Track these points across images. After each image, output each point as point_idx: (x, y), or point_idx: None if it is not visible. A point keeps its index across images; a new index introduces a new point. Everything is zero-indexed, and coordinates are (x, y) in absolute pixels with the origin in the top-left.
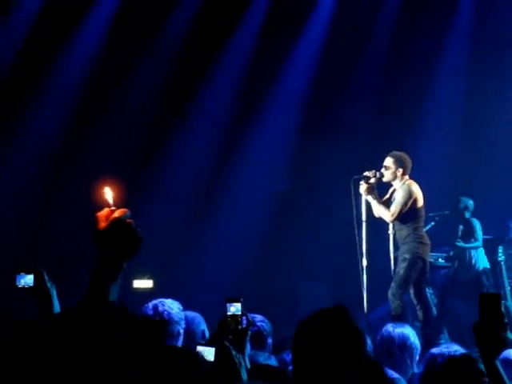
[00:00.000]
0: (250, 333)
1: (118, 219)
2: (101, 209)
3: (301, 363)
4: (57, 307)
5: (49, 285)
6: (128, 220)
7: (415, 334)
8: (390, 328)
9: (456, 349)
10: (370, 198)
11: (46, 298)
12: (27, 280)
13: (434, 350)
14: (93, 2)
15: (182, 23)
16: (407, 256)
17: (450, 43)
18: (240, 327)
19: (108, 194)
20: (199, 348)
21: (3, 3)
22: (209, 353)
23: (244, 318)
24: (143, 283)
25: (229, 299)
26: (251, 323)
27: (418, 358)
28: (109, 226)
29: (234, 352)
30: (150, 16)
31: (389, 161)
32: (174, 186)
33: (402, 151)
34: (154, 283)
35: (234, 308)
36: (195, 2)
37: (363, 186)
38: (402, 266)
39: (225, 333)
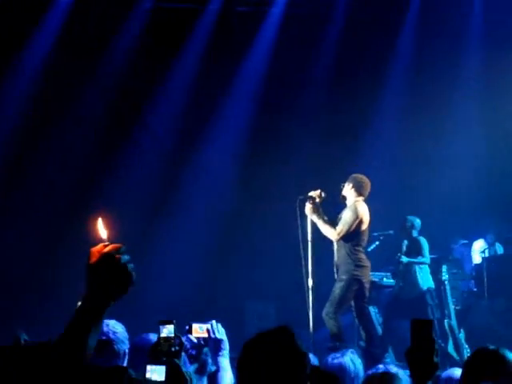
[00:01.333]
0: (183, 354)
1: (107, 254)
2: (95, 244)
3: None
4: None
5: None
6: (117, 255)
7: (355, 359)
8: (329, 359)
9: (392, 368)
10: (314, 218)
11: None
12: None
13: (370, 372)
14: (38, 20)
15: (127, 43)
16: (344, 277)
17: (394, 62)
18: (173, 349)
19: (101, 227)
20: (149, 367)
21: None
22: (160, 371)
23: (177, 340)
24: None
25: (162, 321)
26: (183, 345)
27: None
28: (97, 261)
29: (184, 369)
30: (96, 36)
31: (349, 181)
32: (118, 206)
33: (359, 173)
34: None
35: (167, 330)
36: (140, 22)
37: (308, 206)
38: (338, 285)
39: (158, 355)
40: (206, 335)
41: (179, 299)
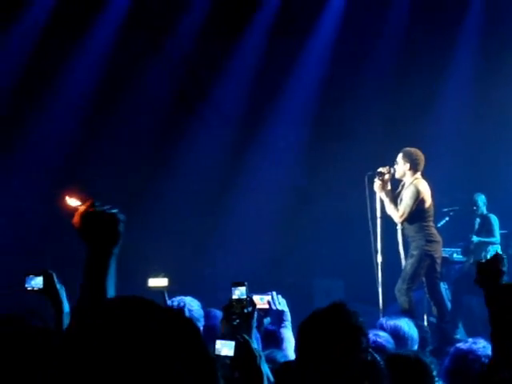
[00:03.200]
0: (256, 315)
1: (82, 212)
2: (73, 215)
3: (304, 361)
4: (66, 308)
5: (58, 286)
6: (91, 208)
7: (411, 325)
8: (383, 321)
9: (483, 345)
10: (383, 196)
11: (55, 300)
12: (37, 282)
13: (462, 346)
14: (103, 3)
15: (193, 23)
16: (415, 252)
17: (460, 41)
18: (245, 311)
19: (70, 201)
20: (218, 342)
21: (15, 5)
22: (229, 346)
23: (249, 301)
24: (158, 281)
25: (234, 283)
26: (255, 305)
27: (416, 347)
28: (79, 222)
29: (253, 345)
30: (162, 15)
31: (400, 157)
32: (187, 183)
33: (414, 147)
34: (169, 281)
35: (239, 292)
36: (206, 2)
37: (377, 183)
38: (409, 262)
39: (231, 317)
40: (266, 306)
41: (247, 277)
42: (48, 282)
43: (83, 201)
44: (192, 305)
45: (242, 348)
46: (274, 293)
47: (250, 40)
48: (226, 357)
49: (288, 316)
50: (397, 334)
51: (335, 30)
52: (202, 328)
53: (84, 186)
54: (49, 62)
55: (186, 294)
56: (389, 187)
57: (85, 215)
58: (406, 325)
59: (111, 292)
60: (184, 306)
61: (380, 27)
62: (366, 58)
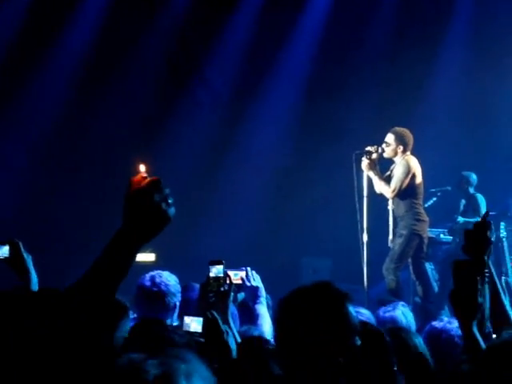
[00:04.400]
0: (232, 294)
1: (143, 190)
2: (135, 175)
3: (281, 338)
4: (34, 278)
5: (25, 255)
6: (153, 192)
7: (406, 313)
8: (380, 313)
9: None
10: (371, 174)
11: (22, 269)
12: (3, 251)
13: (436, 325)
14: None
15: None
16: (404, 232)
17: (451, 28)
18: (222, 289)
19: (142, 169)
20: (187, 318)
21: None
22: (197, 322)
23: (226, 279)
24: (145, 256)
25: (212, 262)
26: (232, 284)
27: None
28: (133, 194)
29: (220, 322)
30: None
31: (390, 137)
32: (176, 160)
33: (403, 127)
34: (157, 257)
35: (216, 270)
36: None
37: (365, 162)
38: (398, 241)
39: (207, 294)
40: (239, 282)
41: (233, 253)
42: (14, 250)
43: (148, 171)
44: (169, 279)
45: (210, 324)
46: (249, 268)
47: (242, 14)
48: (195, 332)
49: (263, 292)
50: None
51: (328, 5)
52: (178, 302)
53: (75, 164)
54: (39, 33)
55: (172, 270)
56: (377, 166)
57: (143, 193)
58: (403, 315)
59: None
60: (161, 279)
61: (369, 13)
62: (356, 40)
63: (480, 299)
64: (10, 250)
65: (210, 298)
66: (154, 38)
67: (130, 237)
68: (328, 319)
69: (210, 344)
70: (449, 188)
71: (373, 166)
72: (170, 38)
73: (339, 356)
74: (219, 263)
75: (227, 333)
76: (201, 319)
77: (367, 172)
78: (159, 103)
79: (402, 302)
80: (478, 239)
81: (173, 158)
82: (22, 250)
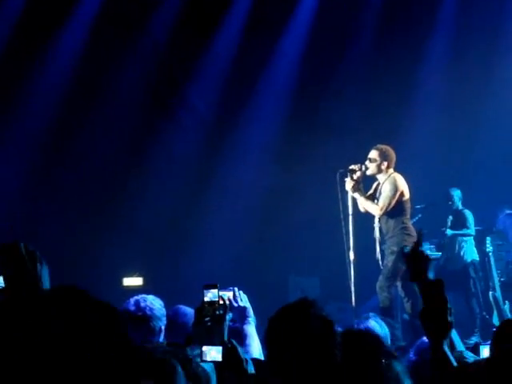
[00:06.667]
0: (228, 318)
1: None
2: None
3: (274, 358)
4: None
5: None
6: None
7: (381, 324)
8: (355, 325)
9: None
10: (356, 195)
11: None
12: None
13: (426, 339)
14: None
15: (166, 20)
16: (395, 248)
17: (434, 37)
18: (217, 313)
19: None
20: (205, 348)
21: None
22: (216, 351)
23: (221, 303)
24: (133, 281)
25: (206, 285)
26: (228, 308)
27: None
28: None
29: (239, 349)
30: (135, 13)
31: (373, 154)
32: (161, 182)
33: (386, 144)
34: (144, 280)
35: (212, 294)
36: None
37: (349, 183)
38: (390, 258)
39: (203, 319)
40: (227, 302)
41: (221, 274)
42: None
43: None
44: (153, 303)
45: (230, 353)
46: (236, 288)
47: (223, 38)
48: (214, 361)
49: (251, 312)
50: None
51: (308, 27)
52: (163, 326)
53: (55, 188)
54: (17, 62)
55: (160, 293)
56: (361, 185)
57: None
58: (378, 325)
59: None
60: (145, 303)
61: (353, 24)
62: (339, 54)
63: (450, 318)
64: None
65: (205, 323)
66: (135, 63)
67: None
68: (315, 336)
69: (230, 372)
70: (433, 204)
71: (357, 186)
72: (151, 62)
73: (327, 372)
74: (214, 287)
75: (246, 361)
76: (220, 348)
77: (352, 193)
78: (141, 128)
79: (372, 314)
80: (435, 299)
81: (158, 182)
82: (39, 257)
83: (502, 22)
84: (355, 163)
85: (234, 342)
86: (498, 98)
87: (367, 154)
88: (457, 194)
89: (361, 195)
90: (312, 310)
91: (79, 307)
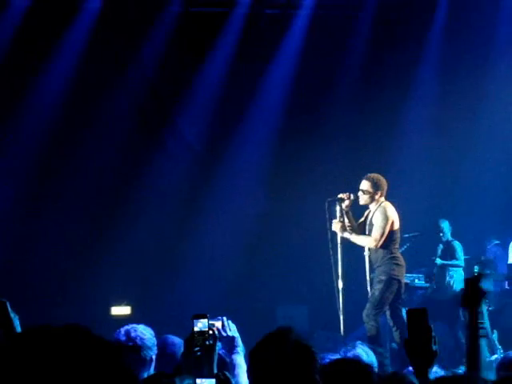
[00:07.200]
0: (218, 348)
1: None
2: None
3: None
4: None
5: (12, 315)
6: None
7: (368, 352)
8: (342, 353)
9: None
10: (346, 235)
11: (9, 329)
12: None
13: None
14: (68, 23)
15: (156, 49)
16: (383, 277)
17: (423, 59)
18: (207, 343)
19: None
20: (198, 381)
21: None
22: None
23: (211, 333)
24: (121, 310)
25: (195, 315)
26: (218, 338)
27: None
28: None
29: (232, 381)
30: (125, 42)
31: (366, 185)
32: (149, 211)
33: (376, 173)
34: (132, 309)
35: (201, 324)
36: (169, 26)
37: (336, 225)
38: (378, 287)
39: (192, 349)
40: (216, 332)
41: (209, 303)
42: (1, 311)
43: None
44: (144, 333)
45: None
46: (225, 318)
47: (212, 67)
48: None
49: (239, 342)
50: None
51: (297, 54)
52: (154, 356)
53: (43, 217)
54: (10, 87)
55: (148, 322)
56: (350, 214)
57: None
58: (364, 353)
59: None
60: (136, 333)
61: (342, 52)
62: (325, 89)
63: (434, 347)
64: None
65: (195, 353)
66: (125, 90)
67: None
68: (293, 361)
69: None
70: (419, 234)
71: (344, 227)
72: (140, 91)
73: None
74: (203, 317)
75: None
76: (213, 380)
77: (341, 234)
78: (130, 156)
79: (359, 341)
80: (472, 291)
81: (147, 211)
82: (10, 310)
83: (488, 64)
84: (343, 192)
85: (227, 373)
86: (487, 128)
87: (357, 181)
88: (445, 225)
89: (351, 233)
90: (289, 336)
91: (86, 347)
